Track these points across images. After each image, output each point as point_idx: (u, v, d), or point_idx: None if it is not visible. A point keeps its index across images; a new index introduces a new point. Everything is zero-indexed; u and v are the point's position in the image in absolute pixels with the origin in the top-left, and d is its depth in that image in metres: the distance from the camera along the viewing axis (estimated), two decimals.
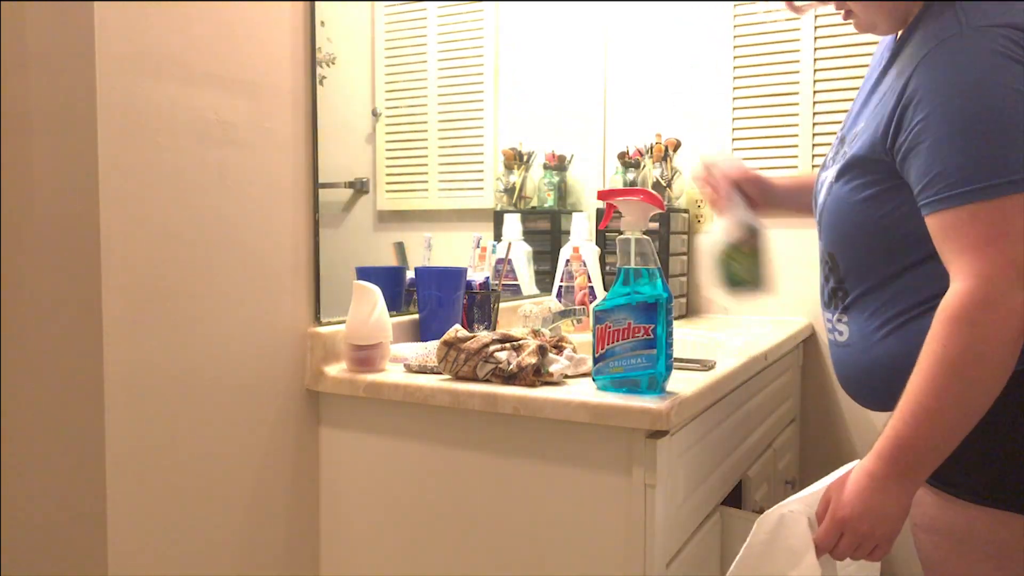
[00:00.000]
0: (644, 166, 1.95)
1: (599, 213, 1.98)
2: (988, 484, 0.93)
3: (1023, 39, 0.85)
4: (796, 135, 1.91)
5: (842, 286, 1.05)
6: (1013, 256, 0.82)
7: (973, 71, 0.86)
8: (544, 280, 1.81)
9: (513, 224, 1.72)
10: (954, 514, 0.96)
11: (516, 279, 1.73)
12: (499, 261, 1.53)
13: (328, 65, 1.24)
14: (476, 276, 1.42)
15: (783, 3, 1.11)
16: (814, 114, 1.89)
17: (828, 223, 1.04)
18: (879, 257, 1.00)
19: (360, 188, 1.37)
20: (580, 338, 1.60)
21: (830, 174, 1.04)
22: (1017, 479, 0.92)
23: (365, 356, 1.14)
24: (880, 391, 1.03)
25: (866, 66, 1.35)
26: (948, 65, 0.88)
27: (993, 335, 0.83)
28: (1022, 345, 0.84)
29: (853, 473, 0.93)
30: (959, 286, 0.84)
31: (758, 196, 1.28)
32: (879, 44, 1.13)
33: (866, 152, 0.96)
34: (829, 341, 1.10)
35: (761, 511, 1.40)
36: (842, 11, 1.03)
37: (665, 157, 1.92)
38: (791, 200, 1.30)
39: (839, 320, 1.06)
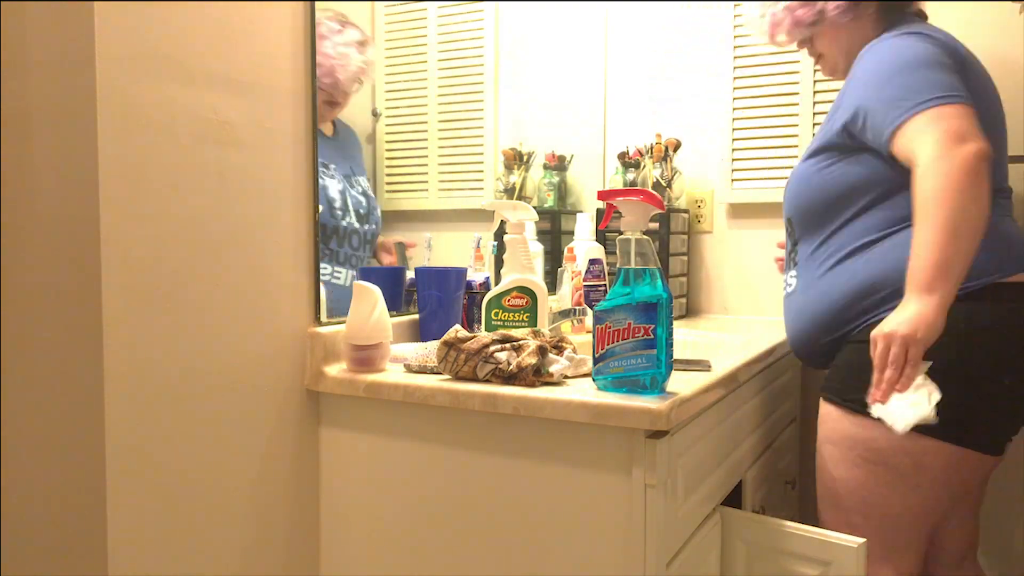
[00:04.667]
0: (644, 166, 1.95)
1: (599, 213, 1.98)
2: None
3: (930, 32, 1.25)
4: (796, 135, 1.91)
5: (795, 247, 1.38)
6: (949, 129, 1.12)
7: (890, 46, 1.24)
8: (546, 281, 1.81)
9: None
10: (849, 425, 1.21)
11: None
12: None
13: None
14: (476, 276, 1.42)
15: (781, 6, 1.44)
16: (814, 114, 1.89)
17: (790, 193, 1.39)
18: (822, 216, 1.31)
19: None
20: (579, 339, 1.60)
21: (799, 161, 1.40)
22: None
23: (365, 356, 1.14)
24: (814, 329, 1.30)
25: None
26: (872, 52, 1.27)
27: (959, 169, 1.07)
28: (976, 180, 1.08)
29: (894, 313, 1.10)
30: (927, 151, 1.11)
31: None
32: None
33: (827, 139, 1.31)
34: (784, 300, 1.40)
35: (762, 511, 1.40)
36: (814, 56, 1.47)
37: (665, 157, 1.92)
38: None
39: (791, 276, 1.37)
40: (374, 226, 1.40)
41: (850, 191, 1.27)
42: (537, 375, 1.04)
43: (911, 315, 1.05)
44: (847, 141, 1.27)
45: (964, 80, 1.19)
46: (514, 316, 1.24)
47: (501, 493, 1.05)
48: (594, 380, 1.01)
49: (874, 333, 1.09)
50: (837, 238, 1.29)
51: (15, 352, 0.95)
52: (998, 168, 1.25)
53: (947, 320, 1.08)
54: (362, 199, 1.35)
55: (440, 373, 1.11)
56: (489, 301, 1.25)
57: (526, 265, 1.26)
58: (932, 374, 1.08)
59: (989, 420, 1.18)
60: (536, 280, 1.26)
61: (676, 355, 1.06)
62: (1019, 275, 1.19)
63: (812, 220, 1.33)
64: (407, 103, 1.49)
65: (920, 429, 1.10)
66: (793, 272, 1.37)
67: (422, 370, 1.13)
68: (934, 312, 1.05)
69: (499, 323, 1.24)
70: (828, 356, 1.31)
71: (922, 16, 1.43)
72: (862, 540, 1.10)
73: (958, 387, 1.13)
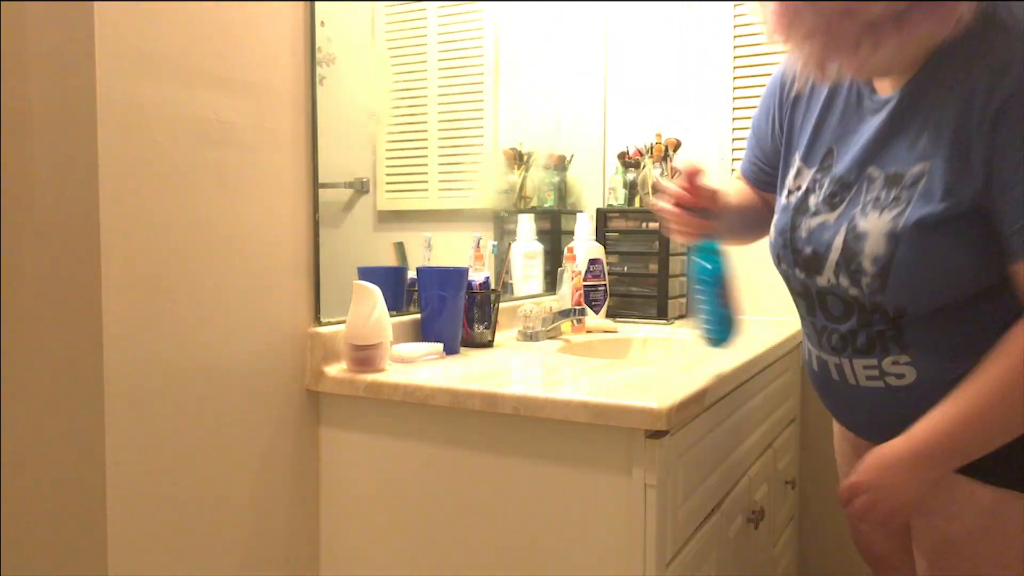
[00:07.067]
0: (644, 166, 1.95)
1: (599, 213, 1.98)
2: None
3: None
4: None
5: (896, 324, 0.95)
6: None
7: None
8: (545, 280, 1.81)
9: (525, 224, 1.73)
10: (984, 497, 0.95)
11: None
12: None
13: (328, 65, 1.24)
14: (476, 276, 1.42)
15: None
16: None
17: (908, 279, 0.92)
18: (953, 300, 0.93)
19: (360, 188, 1.37)
20: (579, 338, 1.60)
21: (886, 223, 0.92)
22: None
23: (365, 356, 1.14)
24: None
25: None
26: None
27: None
28: None
29: (883, 447, 0.94)
30: None
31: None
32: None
33: (970, 202, 0.87)
34: (871, 388, 1.01)
35: (761, 511, 1.40)
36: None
37: (665, 157, 1.92)
38: (738, 223, 1.26)
39: (895, 363, 0.97)
40: None
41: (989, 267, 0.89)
42: None
43: (889, 485, 0.93)
44: (976, 205, 0.87)
45: None
46: None
47: (501, 493, 1.05)
48: None
49: (848, 484, 0.96)
50: (966, 312, 0.93)
51: (15, 352, 0.95)
52: None
53: None
54: None
55: None
56: None
57: None
58: None
59: None
60: None
61: (671, 359, 1.05)
62: None
63: (939, 306, 0.94)
64: (407, 103, 1.49)
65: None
66: (901, 358, 0.96)
67: None
68: (914, 493, 0.93)
69: None
70: None
71: None
72: None
73: None
